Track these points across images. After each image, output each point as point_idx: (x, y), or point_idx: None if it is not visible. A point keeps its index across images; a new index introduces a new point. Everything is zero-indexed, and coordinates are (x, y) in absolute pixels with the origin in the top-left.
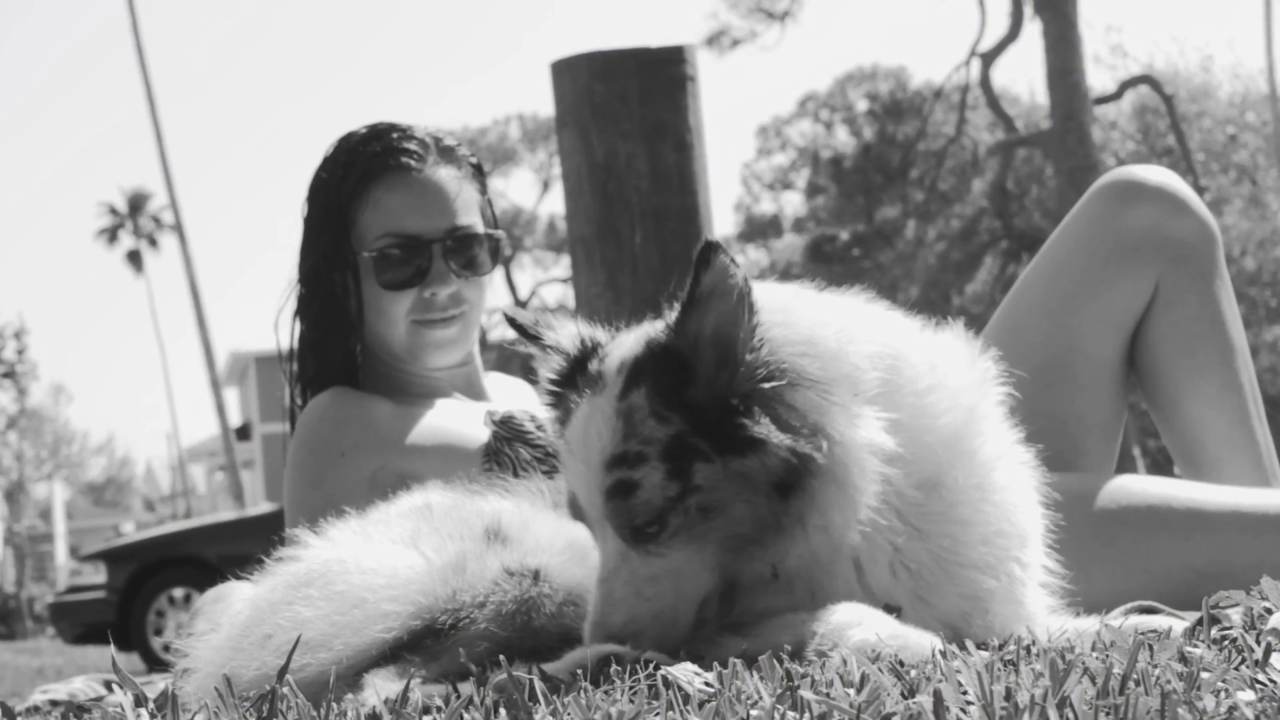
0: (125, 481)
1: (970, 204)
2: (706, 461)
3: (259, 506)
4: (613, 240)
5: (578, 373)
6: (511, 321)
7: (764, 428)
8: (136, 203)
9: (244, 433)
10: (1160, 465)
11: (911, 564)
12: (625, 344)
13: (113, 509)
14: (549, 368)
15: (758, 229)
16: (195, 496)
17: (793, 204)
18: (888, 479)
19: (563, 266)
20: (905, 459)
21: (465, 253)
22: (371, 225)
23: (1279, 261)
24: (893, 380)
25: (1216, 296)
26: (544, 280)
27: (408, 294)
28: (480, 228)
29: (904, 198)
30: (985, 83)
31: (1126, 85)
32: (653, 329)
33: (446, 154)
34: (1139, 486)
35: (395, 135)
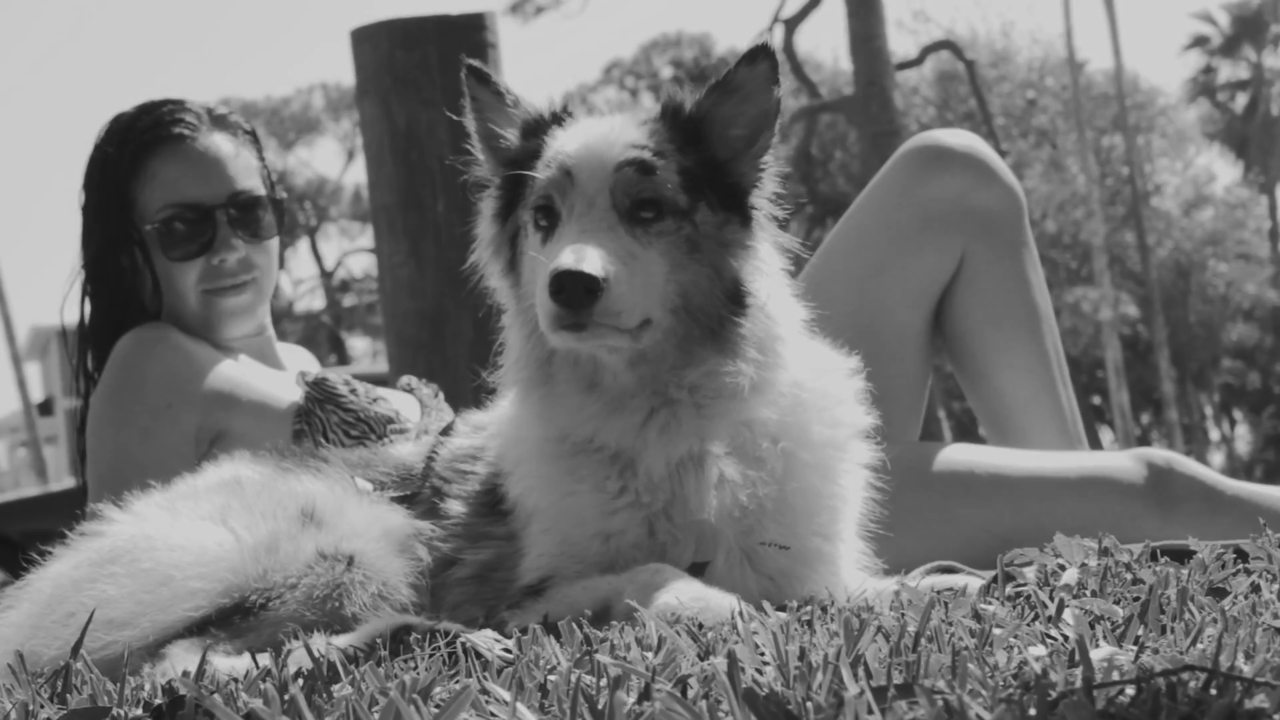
0: None
1: None
2: (710, 209)
3: (62, 482)
4: (415, 208)
5: (559, 119)
6: (472, 69)
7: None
8: None
9: (46, 408)
10: (965, 427)
11: (756, 505)
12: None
13: None
14: (510, 116)
15: None
16: None
17: None
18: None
19: (368, 236)
20: (780, 407)
21: (250, 217)
22: (152, 199)
23: (1079, 224)
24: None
25: (1023, 266)
26: (350, 250)
27: (195, 264)
28: (262, 191)
29: None
30: (789, 49)
31: (928, 50)
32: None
33: (219, 121)
34: (944, 453)
35: (167, 109)
